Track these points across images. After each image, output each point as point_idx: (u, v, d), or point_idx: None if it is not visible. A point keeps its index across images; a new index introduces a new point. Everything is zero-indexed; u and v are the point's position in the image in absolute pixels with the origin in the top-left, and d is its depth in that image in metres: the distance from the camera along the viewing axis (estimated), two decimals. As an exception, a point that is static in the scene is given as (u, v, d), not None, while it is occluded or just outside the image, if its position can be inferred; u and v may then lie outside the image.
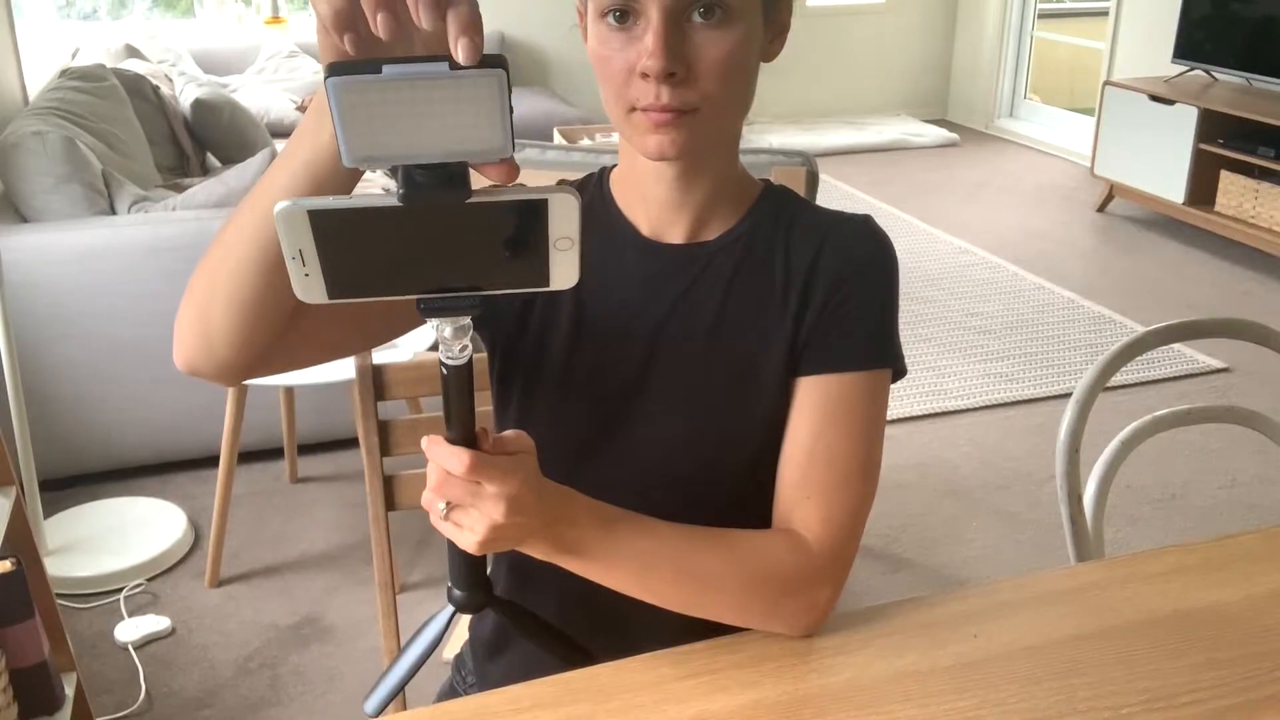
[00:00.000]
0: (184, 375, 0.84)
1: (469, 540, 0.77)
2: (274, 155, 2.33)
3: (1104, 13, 5.63)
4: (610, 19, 0.84)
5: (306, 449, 2.79)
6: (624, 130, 0.89)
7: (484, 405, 0.94)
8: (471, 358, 0.72)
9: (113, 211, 2.65)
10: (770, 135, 6.12)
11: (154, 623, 2.21)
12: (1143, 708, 0.85)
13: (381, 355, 1.31)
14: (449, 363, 0.71)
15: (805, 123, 6.51)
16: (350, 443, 2.73)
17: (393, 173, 0.61)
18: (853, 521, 0.92)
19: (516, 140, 0.60)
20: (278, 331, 0.80)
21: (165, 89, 3.92)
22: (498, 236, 0.63)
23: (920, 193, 5.33)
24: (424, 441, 0.76)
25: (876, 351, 0.94)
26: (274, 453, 2.77)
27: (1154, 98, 4.61)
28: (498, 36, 5.60)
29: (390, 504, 1.30)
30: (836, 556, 0.91)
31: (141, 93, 3.65)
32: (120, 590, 2.32)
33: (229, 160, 3.84)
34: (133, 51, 4.48)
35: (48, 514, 2.47)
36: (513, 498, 0.75)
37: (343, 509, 2.64)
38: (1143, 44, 5.34)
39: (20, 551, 1.58)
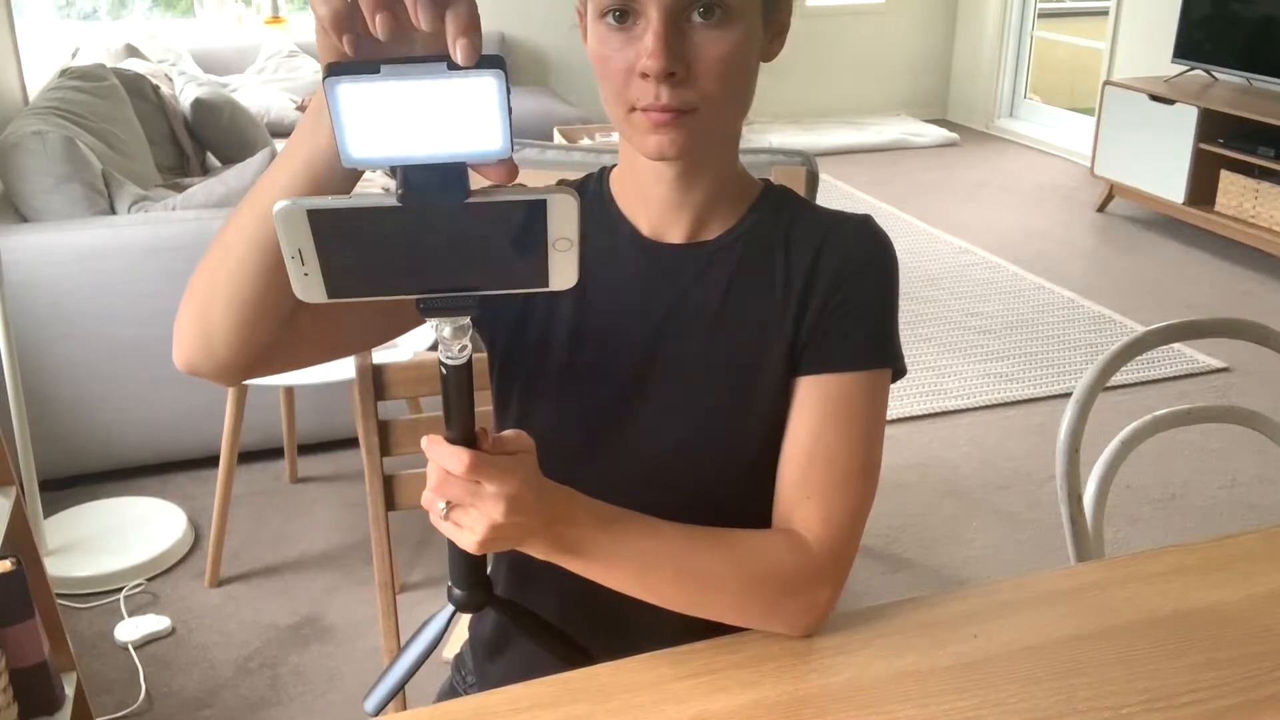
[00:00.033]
0: (184, 375, 0.84)
1: (469, 540, 0.77)
2: (274, 155, 2.32)
3: (1104, 12, 5.63)
4: (610, 19, 0.84)
5: (306, 449, 2.79)
6: (624, 130, 0.89)
7: (484, 405, 0.94)
8: (471, 357, 0.72)
9: (113, 211, 2.65)
10: (770, 135, 6.12)
11: (154, 623, 2.21)
12: (1143, 708, 0.85)
13: (381, 355, 1.31)
14: (449, 362, 0.71)
15: (805, 123, 6.51)
16: (350, 443, 2.73)
17: (392, 173, 0.61)
18: (853, 521, 0.92)
19: (516, 140, 0.60)
20: (277, 331, 0.80)
21: (165, 89, 3.92)
22: (497, 237, 0.63)
23: (920, 193, 5.33)
24: (424, 441, 0.76)
25: (876, 351, 0.94)
26: (274, 453, 2.77)
27: (1154, 97, 4.61)
28: (497, 36, 5.60)
29: (390, 504, 1.30)
30: (836, 556, 0.91)
31: (141, 92, 3.65)
32: (120, 590, 2.32)
33: (229, 160, 3.84)
34: (133, 51, 4.48)
35: (48, 514, 2.47)
36: (512, 497, 0.75)
37: (343, 509, 2.64)
38: (1143, 44, 5.34)
39: (20, 551, 1.58)
